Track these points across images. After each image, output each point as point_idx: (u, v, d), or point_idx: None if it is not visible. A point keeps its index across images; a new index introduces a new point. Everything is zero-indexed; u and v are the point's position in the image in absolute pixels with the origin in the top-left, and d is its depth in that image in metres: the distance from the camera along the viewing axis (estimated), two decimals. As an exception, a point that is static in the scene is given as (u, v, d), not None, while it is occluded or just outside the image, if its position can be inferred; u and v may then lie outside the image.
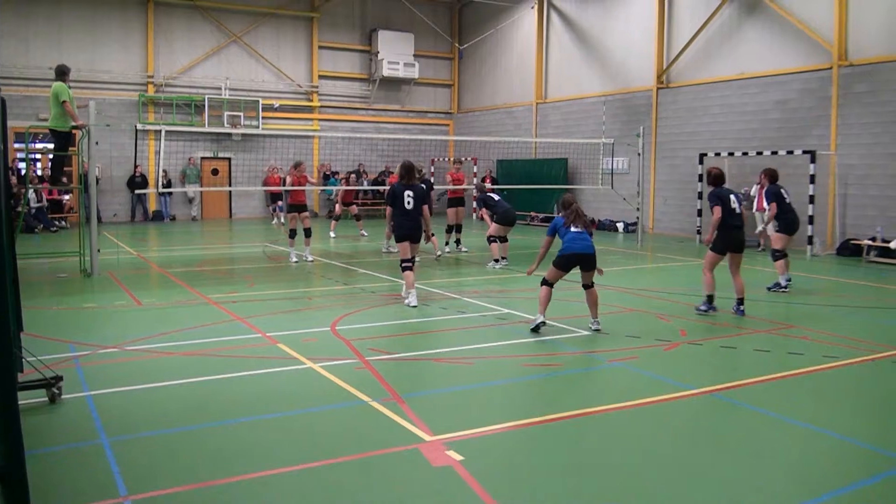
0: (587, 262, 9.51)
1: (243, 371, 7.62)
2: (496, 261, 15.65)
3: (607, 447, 5.75)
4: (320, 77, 31.52)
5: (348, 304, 11.43)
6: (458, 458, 5.45)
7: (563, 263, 9.50)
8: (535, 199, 27.35)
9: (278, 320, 10.19)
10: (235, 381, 7.32)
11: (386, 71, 31.62)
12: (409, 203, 11.34)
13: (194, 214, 29.15)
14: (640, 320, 10.43)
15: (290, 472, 5.24)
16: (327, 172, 30.31)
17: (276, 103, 30.28)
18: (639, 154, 21.50)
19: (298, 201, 16.36)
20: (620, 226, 25.08)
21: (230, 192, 29.88)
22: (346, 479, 5.14)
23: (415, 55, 32.54)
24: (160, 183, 19.27)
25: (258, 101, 29.36)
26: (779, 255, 12.92)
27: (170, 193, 28.23)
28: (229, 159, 29.62)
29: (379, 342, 8.94)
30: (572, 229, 9.54)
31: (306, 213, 16.40)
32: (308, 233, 16.57)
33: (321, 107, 31.56)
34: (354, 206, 21.97)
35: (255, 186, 28.49)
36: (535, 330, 9.37)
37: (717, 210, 10.58)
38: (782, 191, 13.06)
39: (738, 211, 10.70)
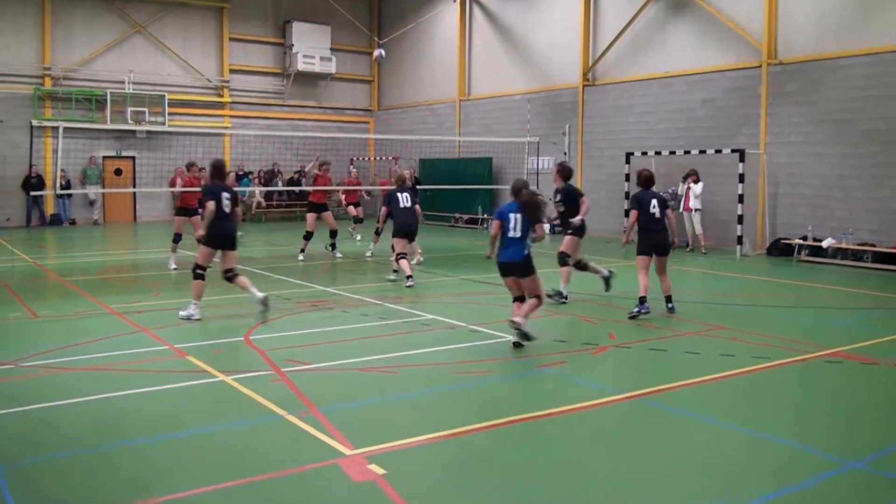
0: (519, 272, 9.18)
1: (150, 386, 7.43)
2: (394, 272, 14.44)
3: (535, 455, 5.78)
4: (231, 71, 31.05)
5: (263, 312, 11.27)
6: (381, 472, 5.41)
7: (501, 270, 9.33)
8: (460, 200, 27.43)
9: (187, 331, 9.99)
10: (142, 397, 7.13)
11: (301, 65, 31.34)
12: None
13: (96, 218, 28.39)
14: (568, 324, 10.54)
15: (200, 493, 5.11)
16: (240, 173, 29.89)
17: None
18: (565, 153, 21.80)
19: (189, 205, 15.93)
20: (546, 227, 25.25)
21: (134, 193, 29.20)
22: (262, 499, 5.05)
23: (332, 49, 32.35)
24: (58, 184, 18.67)
25: (164, 95, 28.77)
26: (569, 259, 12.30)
27: (69, 195, 27.41)
28: (133, 158, 28.94)
29: (296, 352, 8.83)
30: (510, 234, 9.09)
31: (198, 217, 15.49)
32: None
33: (232, 102, 31.07)
34: (353, 208, 21.19)
35: (161, 188, 27.90)
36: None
37: (633, 214, 11.03)
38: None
39: (657, 215, 11.01)
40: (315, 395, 7.14)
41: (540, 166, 24.98)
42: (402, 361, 8.47)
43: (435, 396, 7.33)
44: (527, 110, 25.93)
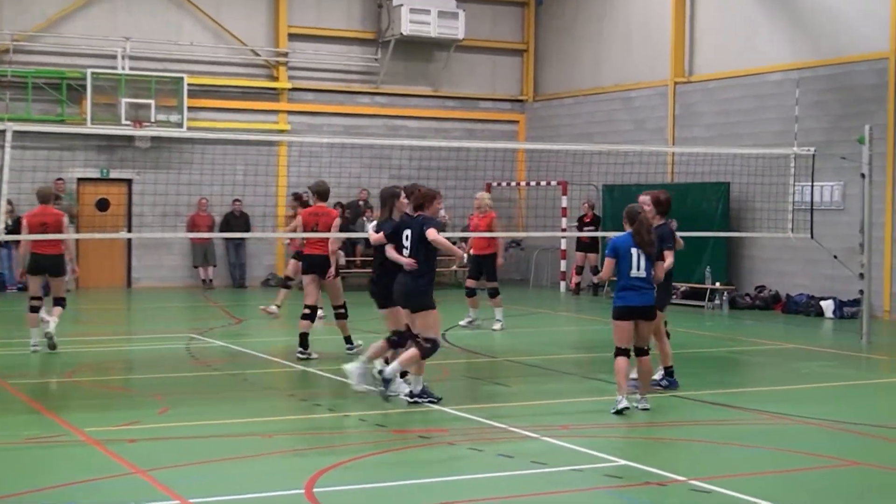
0: (644, 316, 13.15)
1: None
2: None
3: None
4: (292, 37, 31.88)
5: (335, 446, 11.39)
6: None
7: (623, 315, 13.13)
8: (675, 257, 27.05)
9: (210, 475, 10.08)
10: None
11: (407, 27, 31.76)
12: None
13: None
14: (870, 482, 10.24)
15: None
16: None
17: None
18: (863, 175, 21.22)
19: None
20: (828, 306, 24.87)
21: (129, 242, 29.87)
22: None
23: (458, 1, 32.76)
24: (3, 223, 19.07)
25: (181, 78, 29.65)
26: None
27: (16, 243, 27.99)
28: (129, 182, 29.75)
29: (391, 519, 8.80)
30: (632, 273, 12.95)
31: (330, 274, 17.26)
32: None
33: (293, 90, 31.83)
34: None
35: (175, 232, 28.43)
36: (619, 413, 12.69)
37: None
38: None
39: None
40: None
41: (817, 197, 24.44)
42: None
43: None
44: (794, 100, 25.46)
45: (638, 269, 12.97)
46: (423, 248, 13.25)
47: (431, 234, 13.13)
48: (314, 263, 17.37)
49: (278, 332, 20.80)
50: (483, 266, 21.01)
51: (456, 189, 31.54)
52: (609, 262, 13.15)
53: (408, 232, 13.38)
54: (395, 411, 13.11)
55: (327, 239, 17.28)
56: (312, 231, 17.34)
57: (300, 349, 17.14)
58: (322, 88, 32.30)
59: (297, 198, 22.95)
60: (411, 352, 13.30)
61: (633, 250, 12.98)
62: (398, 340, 13.87)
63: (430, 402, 13.25)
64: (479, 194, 22.05)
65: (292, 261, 22.24)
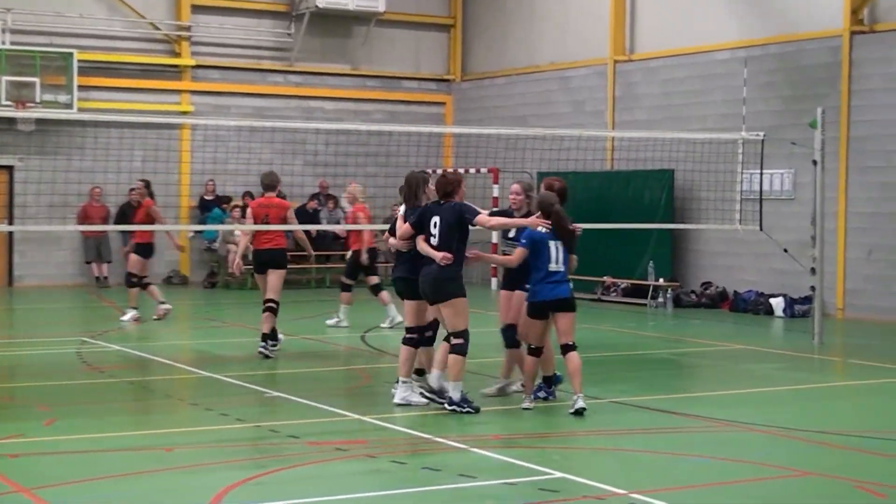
0: (565, 307, 13.60)
1: None
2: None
3: None
4: (195, 9, 31.69)
5: (243, 460, 11.29)
6: None
7: (540, 311, 13.56)
8: (613, 253, 27.14)
9: (103, 493, 9.96)
10: None
11: (322, 0, 31.71)
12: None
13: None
14: (818, 492, 10.32)
15: None
16: (207, 197, 30.10)
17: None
18: (815, 162, 21.41)
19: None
20: (778, 304, 25.04)
21: (10, 236, 29.55)
22: None
23: (379, -30, 32.69)
24: None
25: (71, 54, 29.37)
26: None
27: None
28: (11, 169, 29.46)
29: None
30: (551, 267, 13.37)
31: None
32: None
33: (197, 67, 31.61)
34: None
35: (64, 225, 28.20)
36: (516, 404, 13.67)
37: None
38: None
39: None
40: None
41: (766, 186, 24.59)
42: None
43: None
44: (742, 81, 25.64)
45: (556, 262, 13.41)
46: (456, 235, 13.38)
47: (486, 221, 13.69)
48: (265, 261, 17.52)
49: (182, 335, 20.70)
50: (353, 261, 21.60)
51: (377, 177, 31.45)
52: (522, 252, 13.41)
53: (436, 219, 13.39)
54: (309, 421, 13.07)
55: (279, 232, 17.57)
56: (263, 224, 17.40)
57: (271, 342, 17.45)
58: (229, 66, 32.12)
59: (147, 185, 22.35)
60: (448, 357, 13.39)
61: (552, 243, 13.43)
62: (419, 339, 14.01)
63: (468, 411, 13.24)
64: (351, 186, 22.10)
65: (133, 256, 22.19)
